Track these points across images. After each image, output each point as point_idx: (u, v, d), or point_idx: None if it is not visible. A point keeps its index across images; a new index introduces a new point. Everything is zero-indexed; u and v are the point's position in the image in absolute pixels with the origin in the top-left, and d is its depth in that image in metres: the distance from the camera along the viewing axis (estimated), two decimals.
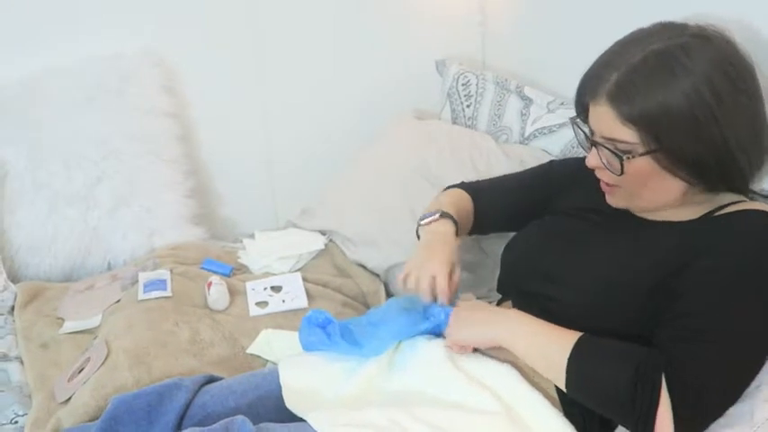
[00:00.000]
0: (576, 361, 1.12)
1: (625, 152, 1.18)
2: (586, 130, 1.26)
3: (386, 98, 2.28)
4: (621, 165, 1.18)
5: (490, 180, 1.65)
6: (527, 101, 1.98)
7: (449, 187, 1.63)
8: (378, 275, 1.87)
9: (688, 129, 1.13)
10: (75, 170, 1.91)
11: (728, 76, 1.14)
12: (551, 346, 1.15)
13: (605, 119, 1.19)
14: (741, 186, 1.22)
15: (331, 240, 1.97)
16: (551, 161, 1.65)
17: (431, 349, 1.26)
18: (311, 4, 2.18)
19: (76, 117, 1.93)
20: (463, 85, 2.12)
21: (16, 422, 1.41)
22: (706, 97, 1.12)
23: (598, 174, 1.27)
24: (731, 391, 1.08)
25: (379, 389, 1.25)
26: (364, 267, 1.88)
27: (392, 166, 1.98)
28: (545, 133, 1.92)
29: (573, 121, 1.29)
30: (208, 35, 2.11)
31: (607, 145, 1.20)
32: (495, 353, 1.25)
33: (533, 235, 1.43)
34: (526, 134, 1.97)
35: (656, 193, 1.22)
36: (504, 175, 1.66)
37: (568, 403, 1.19)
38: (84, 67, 1.98)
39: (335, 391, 1.26)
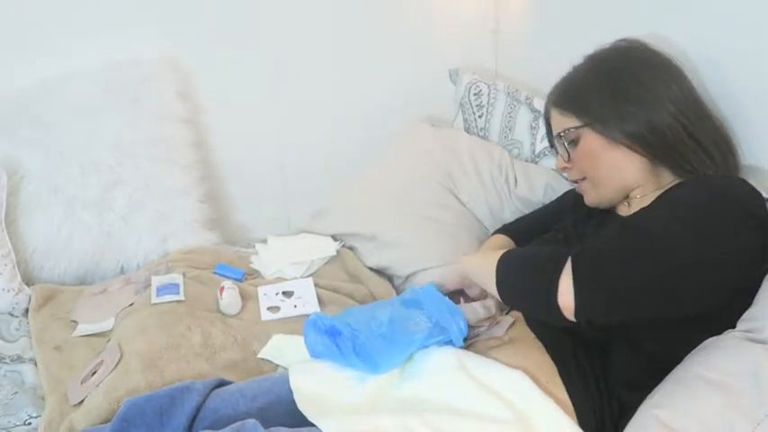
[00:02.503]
0: (502, 261, 1.27)
1: (570, 139, 1.43)
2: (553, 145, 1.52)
3: (398, 105, 2.29)
4: (565, 145, 1.43)
5: (525, 217, 1.83)
6: (536, 113, 1.98)
7: (494, 233, 1.82)
8: (390, 281, 1.88)
9: (607, 98, 1.38)
10: (91, 174, 1.92)
11: (641, 60, 1.40)
12: (489, 258, 1.30)
13: (555, 121, 1.47)
14: (694, 162, 1.35)
15: (344, 245, 1.98)
16: (566, 191, 1.74)
17: (442, 357, 1.27)
18: (325, 11, 2.20)
19: (93, 121, 1.95)
20: (475, 94, 2.12)
21: (29, 423, 1.42)
22: (613, 67, 1.41)
23: (568, 175, 1.51)
24: (639, 283, 1.12)
25: (390, 396, 1.25)
26: (379, 272, 1.89)
27: (416, 175, 1.99)
28: (555, 153, 1.92)
29: (551, 151, 1.53)
30: (223, 42, 2.12)
31: (558, 141, 1.45)
32: (507, 359, 1.25)
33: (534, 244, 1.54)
34: (536, 151, 1.99)
35: (612, 171, 1.39)
36: (536, 210, 1.82)
37: (582, 411, 1.19)
38: (101, 73, 2.00)
39: (346, 398, 1.26)
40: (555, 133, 1.48)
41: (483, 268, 1.32)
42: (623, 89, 1.38)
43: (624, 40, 1.46)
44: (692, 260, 1.13)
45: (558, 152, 1.51)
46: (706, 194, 1.22)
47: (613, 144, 1.38)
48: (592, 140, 1.40)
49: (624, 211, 1.43)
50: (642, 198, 1.38)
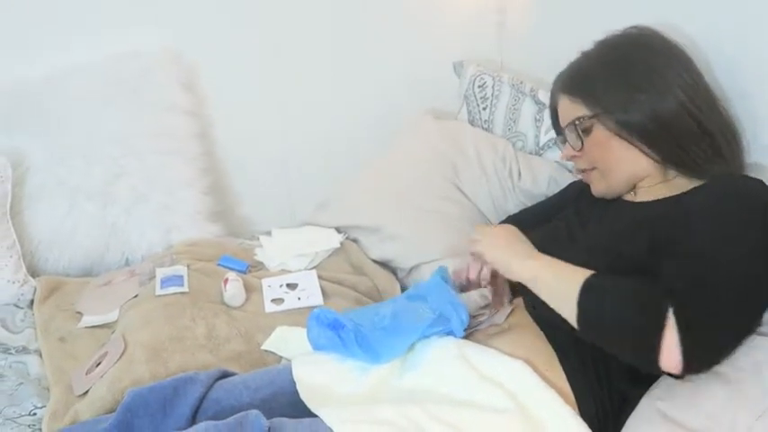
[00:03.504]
0: (585, 294, 1.15)
1: (583, 128, 1.38)
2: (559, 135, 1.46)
3: (403, 98, 2.29)
4: (579, 135, 1.39)
5: (530, 208, 1.80)
6: (541, 105, 1.98)
7: (500, 222, 1.77)
8: (394, 273, 1.88)
9: (621, 87, 1.35)
10: (95, 166, 1.92)
11: (651, 46, 1.38)
12: (564, 283, 1.19)
13: (564, 108, 1.44)
14: (705, 165, 1.33)
15: (348, 237, 1.98)
16: (571, 183, 1.73)
17: (443, 347, 1.27)
18: (329, 3, 2.19)
19: (97, 114, 1.95)
20: (479, 87, 2.12)
21: (35, 414, 1.43)
22: (624, 55, 1.38)
23: (575, 164, 1.47)
24: (734, 317, 1.11)
25: (391, 387, 1.26)
26: (383, 264, 1.89)
27: (419, 167, 1.99)
28: (562, 141, 1.91)
29: (556, 140, 1.49)
30: (226, 33, 2.12)
31: (570, 130, 1.41)
32: (508, 348, 1.25)
33: (537, 239, 1.48)
34: (541, 143, 1.98)
35: (623, 163, 1.37)
36: (541, 202, 1.79)
37: (583, 401, 1.20)
38: (105, 65, 1.99)
39: (348, 388, 1.27)
40: (565, 121, 1.44)
41: (557, 284, 1.21)
42: (635, 78, 1.35)
43: (635, 27, 1.43)
44: (752, 273, 1.13)
45: (564, 140, 1.47)
46: (736, 202, 1.21)
47: (625, 141, 1.36)
48: (602, 133, 1.37)
49: (630, 198, 1.41)
50: (650, 188, 1.38)
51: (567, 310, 1.17)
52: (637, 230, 1.25)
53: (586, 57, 1.45)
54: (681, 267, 1.13)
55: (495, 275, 1.41)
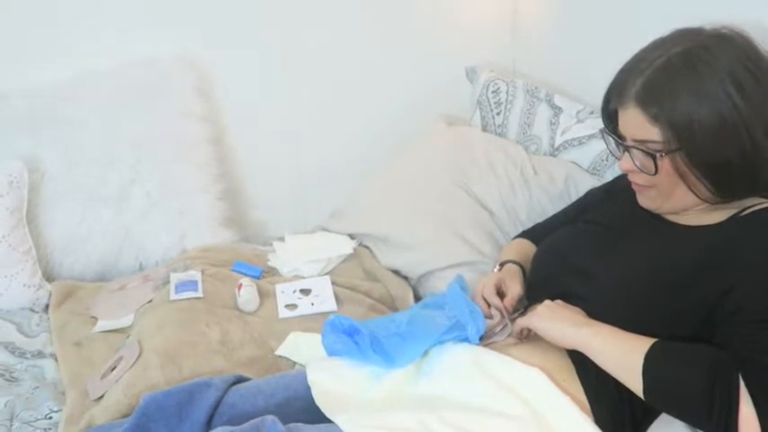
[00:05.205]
0: (651, 365, 1.12)
1: (657, 151, 1.20)
2: (616, 137, 1.29)
3: (416, 104, 2.29)
4: (655, 164, 1.21)
5: (544, 222, 1.70)
6: (556, 110, 1.98)
7: (514, 237, 1.71)
8: (407, 280, 1.88)
9: (713, 126, 1.15)
10: (110, 172, 1.94)
11: (749, 70, 1.16)
12: (627, 353, 1.15)
13: (635, 121, 1.22)
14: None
15: (361, 244, 1.98)
16: (588, 191, 1.67)
17: (458, 354, 1.27)
18: (343, 11, 2.20)
19: (112, 119, 1.96)
20: (493, 92, 2.12)
21: (51, 418, 1.44)
22: (731, 94, 1.14)
23: (631, 177, 1.30)
24: None
25: (406, 393, 1.26)
26: (395, 272, 1.88)
27: (429, 174, 1.98)
28: (574, 145, 1.92)
29: (602, 131, 1.33)
30: (241, 40, 2.13)
31: (639, 147, 1.22)
32: (525, 357, 1.25)
33: (563, 238, 1.45)
34: (556, 145, 1.97)
35: (687, 194, 1.23)
36: (554, 215, 1.70)
37: (599, 409, 1.19)
38: (121, 71, 2.01)
39: (363, 394, 1.27)
40: (631, 132, 1.24)
41: (617, 353, 1.17)
42: (731, 113, 1.15)
43: (725, 27, 1.21)
44: None
45: (620, 146, 1.29)
46: None
47: (695, 177, 1.21)
48: (677, 165, 1.20)
49: (673, 218, 1.30)
50: (698, 212, 1.27)
51: (630, 379, 1.14)
52: (683, 260, 1.19)
53: (671, 69, 1.19)
54: (748, 336, 1.09)
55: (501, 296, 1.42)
